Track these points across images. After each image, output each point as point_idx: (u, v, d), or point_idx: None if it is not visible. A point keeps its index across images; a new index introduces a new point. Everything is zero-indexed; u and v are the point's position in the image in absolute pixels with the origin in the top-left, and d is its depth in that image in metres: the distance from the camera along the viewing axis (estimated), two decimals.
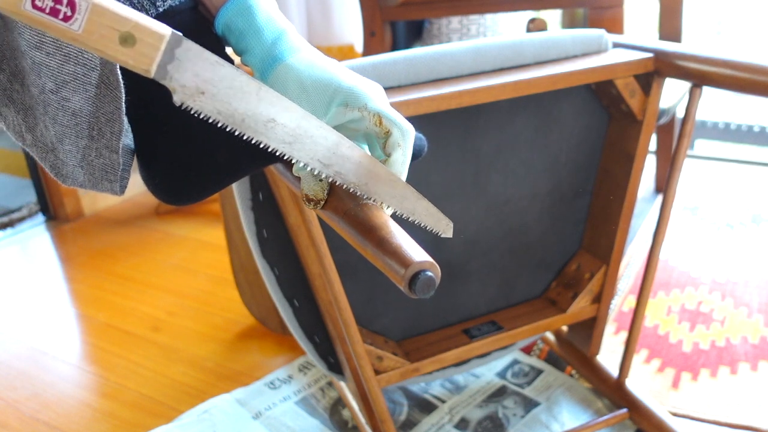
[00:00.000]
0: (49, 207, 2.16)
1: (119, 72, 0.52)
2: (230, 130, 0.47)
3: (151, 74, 0.43)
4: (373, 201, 0.50)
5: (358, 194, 0.50)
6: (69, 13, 0.40)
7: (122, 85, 0.52)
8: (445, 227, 0.51)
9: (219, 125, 0.46)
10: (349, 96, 0.51)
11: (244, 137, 0.47)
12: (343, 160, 0.49)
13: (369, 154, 0.51)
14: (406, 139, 0.52)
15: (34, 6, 0.40)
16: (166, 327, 1.52)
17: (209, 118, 0.46)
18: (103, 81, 0.52)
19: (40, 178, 2.14)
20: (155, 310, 1.59)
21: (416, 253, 0.42)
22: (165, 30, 0.43)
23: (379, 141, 0.52)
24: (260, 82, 0.47)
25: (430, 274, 0.42)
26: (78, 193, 2.16)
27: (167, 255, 1.86)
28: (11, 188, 2.45)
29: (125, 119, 0.53)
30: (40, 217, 2.17)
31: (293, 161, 0.50)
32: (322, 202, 0.51)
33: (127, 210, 2.19)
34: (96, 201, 2.21)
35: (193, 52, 0.44)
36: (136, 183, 0.59)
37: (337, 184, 0.50)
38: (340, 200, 0.50)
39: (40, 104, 0.52)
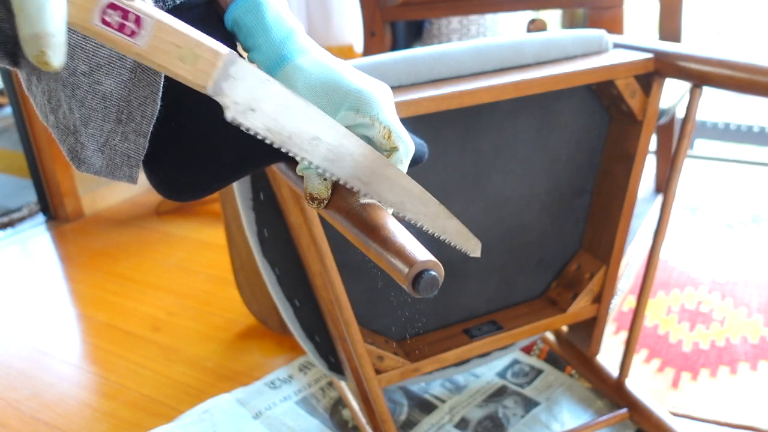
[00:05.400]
0: (49, 207, 2.16)
1: None
2: (277, 147, 0.48)
3: (207, 90, 0.45)
4: (409, 220, 0.51)
5: (360, 193, 0.50)
6: (135, 29, 0.42)
7: None
8: (473, 247, 0.53)
9: (267, 141, 0.48)
10: (359, 101, 0.51)
11: (289, 153, 0.48)
12: (381, 179, 0.50)
13: (404, 172, 0.52)
14: (408, 157, 0.53)
15: (104, 22, 0.41)
16: (166, 327, 1.52)
17: (258, 134, 0.47)
18: (139, 65, 0.52)
19: (41, 178, 2.14)
20: (155, 310, 1.59)
21: (420, 252, 0.43)
22: (223, 49, 0.44)
23: (382, 152, 0.52)
24: (306, 101, 0.48)
25: (433, 273, 0.42)
26: (78, 193, 2.16)
27: (167, 255, 1.86)
28: (11, 188, 2.45)
29: (159, 104, 0.54)
30: (40, 217, 2.17)
31: (300, 160, 0.50)
32: (326, 201, 0.52)
33: (127, 210, 2.19)
34: (96, 201, 2.21)
35: (246, 70, 0.46)
36: (136, 183, 0.60)
37: (375, 203, 0.50)
38: (343, 199, 0.51)
39: (68, 87, 0.52)
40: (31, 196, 2.23)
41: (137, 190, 2.28)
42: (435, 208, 0.52)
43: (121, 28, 0.41)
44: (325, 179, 0.52)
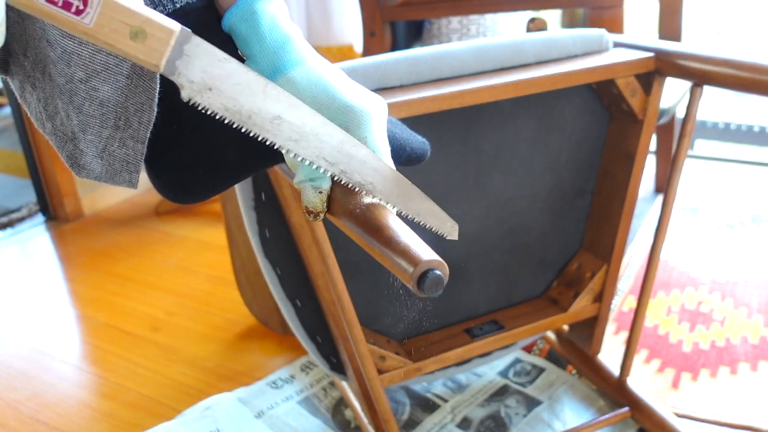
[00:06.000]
0: (49, 207, 2.16)
1: None
2: (237, 127, 0.47)
3: (160, 69, 0.44)
4: (378, 200, 0.50)
5: (363, 193, 0.50)
6: (81, 7, 0.41)
7: (158, 75, 0.52)
8: (450, 229, 0.51)
9: (226, 122, 0.47)
10: (351, 120, 0.51)
11: (251, 134, 0.47)
12: (349, 159, 0.49)
13: (373, 152, 0.51)
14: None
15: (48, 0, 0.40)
16: (166, 327, 1.52)
17: (216, 114, 0.46)
18: (136, 71, 0.52)
19: (40, 178, 2.14)
20: (155, 310, 1.59)
21: (424, 251, 0.42)
22: (174, 26, 0.43)
23: None
24: (267, 79, 0.47)
25: (438, 272, 0.42)
26: (78, 193, 2.16)
27: (167, 255, 1.86)
28: (11, 188, 2.45)
29: (155, 110, 0.53)
30: (40, 217, 2.17)
31: (294, 166, 0.50)
32: (322, 215, 0.52)
33: (127, 210, 2.19)
34: (96, 201, 2.20)
35: (201, 48, 0.44)
36: (136, 188, 0.60)
37: (342, 182, 0.50)
38: (345, 200, 0.50)
39: (65, 94, 0.52)
40: (30, 196, 2.22)
41: (137, 190, 2.28)
42: (407, 190, 0.50)
43: (66, 6, 0.40)
44: (320, 192, 0.51)
